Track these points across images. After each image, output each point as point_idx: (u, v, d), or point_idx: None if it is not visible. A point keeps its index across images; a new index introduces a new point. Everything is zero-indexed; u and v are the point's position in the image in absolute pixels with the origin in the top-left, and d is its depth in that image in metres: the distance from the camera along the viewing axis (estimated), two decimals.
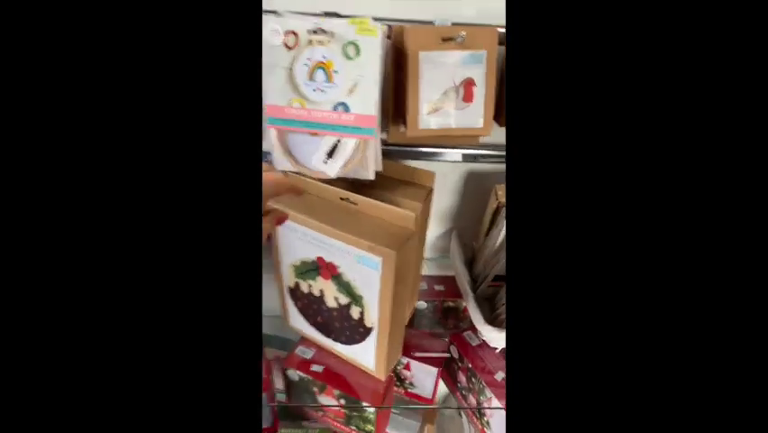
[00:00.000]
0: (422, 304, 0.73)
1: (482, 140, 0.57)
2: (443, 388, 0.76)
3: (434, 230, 0.78)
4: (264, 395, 0.66)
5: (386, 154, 0.52)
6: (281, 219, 0.39)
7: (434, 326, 0.77)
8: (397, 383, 0.71)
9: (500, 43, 0.50)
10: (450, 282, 0.75)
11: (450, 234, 0.78)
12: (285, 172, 0.45)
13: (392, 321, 0.51)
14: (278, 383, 0.68)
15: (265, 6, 0.40)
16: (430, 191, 0.56)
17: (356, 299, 0.52)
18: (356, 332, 0.55)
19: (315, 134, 0.49)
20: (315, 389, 0.64)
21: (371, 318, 0.52)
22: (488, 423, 0.65)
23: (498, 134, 0.56)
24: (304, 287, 0.57)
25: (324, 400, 0.64)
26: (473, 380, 0.65)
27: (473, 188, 0.73)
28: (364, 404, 0.60)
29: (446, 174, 0.71)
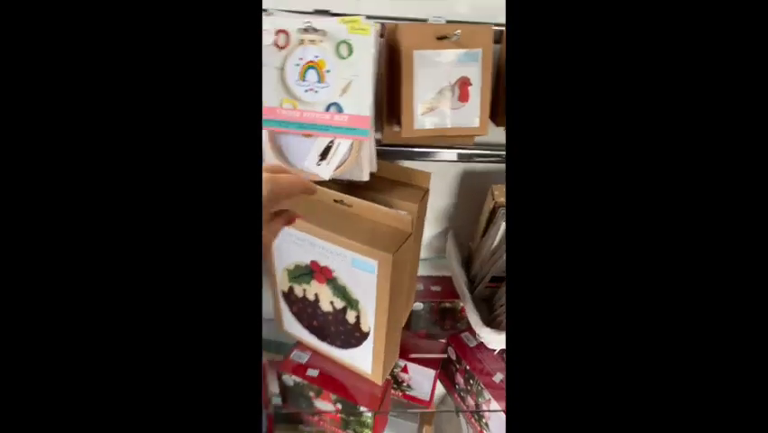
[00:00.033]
0: (418, 305, 0.72)
1: (477, 139, 0.56)
2: (440, 387, 0.75)
3: (429, 230, 0.78)
4: None
5: (380, 155, 0.52)
6: (291, 220, 0.38)
7: (430, 327, 0.77)
8: (395, 386, 0.71)
9: (495, 41, 0.50)
10: (446, 283, 0.74)
11: (446, 234, 0.77)
12: (295, 172, 0.44)
13: (389, 325, 0.50)
14: (273, 387, 0.67)
15: None
16: (426, 192, 0.55)
17: (352, 303, 0.51)
18: (352, 336, 0.54)
19: (307, 136, 0.48)
20: (312, 393, 0.63)
21: (368, 323, 0.51)
22: (486, 425, 0.65)
23: (494, 134, 0.55)
24: (298, 291, 0.56)
25: (321, 404, 0.63)
26: (471, 381, 0.65)
27: (469, 187, 0.72)
28: (361, 409, 0.59)
29: (441, 174, 0.70)
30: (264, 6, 0.46)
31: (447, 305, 0.74)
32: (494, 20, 0.53)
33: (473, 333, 0.65)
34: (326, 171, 0.48)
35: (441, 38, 0.45)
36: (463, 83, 0.47)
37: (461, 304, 0.70)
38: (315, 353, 0.63)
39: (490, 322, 0.61)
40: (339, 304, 0.53)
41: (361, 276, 0.48)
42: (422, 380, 0.68)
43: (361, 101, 0.45)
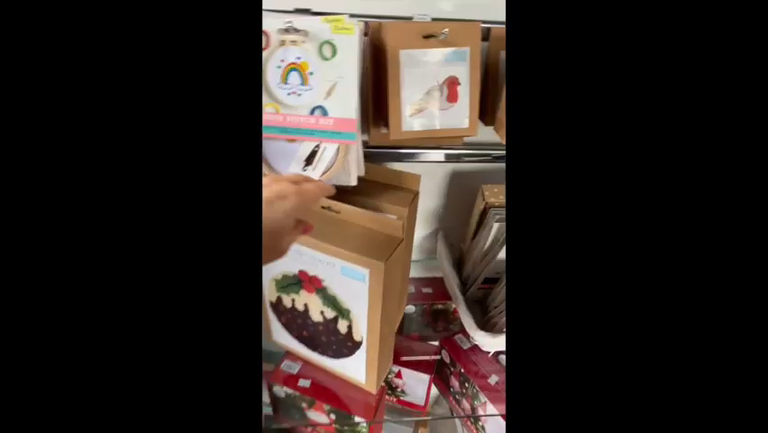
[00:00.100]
0: (410, 308, 0.71)
1: (465, 139, 0.55)
2: (434, 389, 0.74)
3: (419, 231, 0.76)
4: None
5: (367, 157, 0.50)
6: (308, 229, 0.37)
7: (423, 329, 0.76)
8: (389, 392, 0.69)
9: (482, 39, 0.48)
10: (438, 284, 0.73)
11: (436, 235, 0.76)
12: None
13: (382, 333, 0.49)
14: (264, 398, 0.65)
15: None
16: (416, 195, 0.53)
17: (343, 312, 0.49)
18: (344, 346, 0.53)
19: (291, 141, 0.46)
20: (304, 404, 0.61)
21: (360, 332, 0.50)
22: (482, 427, 0.64)
23: (482, 133, 0.54)
24: (286, 301, 0.54)
25: (314, 415, 0.62)
26: (466, 384, 0.64)
27: (458, 188, 0.71)
28: (356, 419, 0.58)
29: (430, 174, 0.69)
30: None
31: (439, 306, 0.73)
32: (480, 17, 0.52)
33: (467, 335, 0.64)
34: (313, 177, 0.46)
35: (427, 36, 0.44)
36: (452, 83, 0.45)
37: (454, 305, 0.70)
38: (306, 362, 0.61)
39: (484, 324, 0.60)
40: (330, 314, 0.51)
41: (352, 285, 0.46)
42: (416, 385, 0.67)
43: (346, 104, 0.43)
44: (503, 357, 0.65)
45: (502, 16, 0.53)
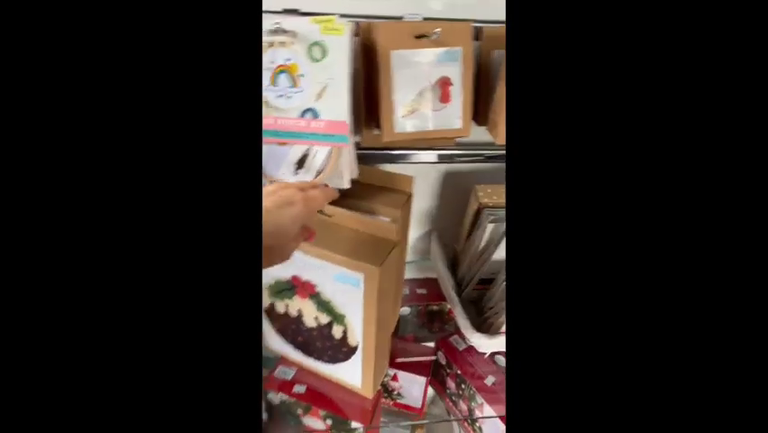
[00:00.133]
0: (405, 309, 0.71)
1: (458, 139, 0.54)
2: (432, 390, 0.74)
3: (413, 232, 0.76)
4: None
5: (359, 158, 0.49)
6: (311, 236, 0.38)
7: (418, 330, 0.75)
8: (385, 395, 0.69)
9: (474, 38, 0.48)
10: (432, 284, 0.73)
11: (429, 236, 0.75)
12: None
13: (378, 338, 0.48)
14: None
15: None
16: (409, 197, 0.53)
17: (338, 318, 0.49)
18: (339, 351, 0.52)
19: (282, 144, 0.45)
20: (300, 410, 0.60)
21: (355, 337, 0.49)
22: (480, 429, 0.64)
23: (474, 133, 0.53)
24: (280, 307, 0.53)
25: (310, 421, 0.61)
26: (463, 386, 0.64)
27: (451, 188, 0.71)
28: (353, 424, 0.57)
29: (423, 175, 0.68)
30: None
31: (434, 308, 0.73)
32: (470, 16, 0.51)
33: (462, 336, 0.63)
34: (305, 180, 0.45)
35: (419, 36, 0.43)
36: (444, 83, 0.45)
37: (449, 306, 0.69)
38: (301, 368, 0.60)
39: (480, 325, 0.60)
40: (324, 319, 0.50)
41: (346, 290, 0.45)
42: (413, 387, 0.66)
43: (337, 106, 0.42)
44: (499, 358, 0.65)
45: (493, 15, 0.53)
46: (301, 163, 0.45)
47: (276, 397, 0.60)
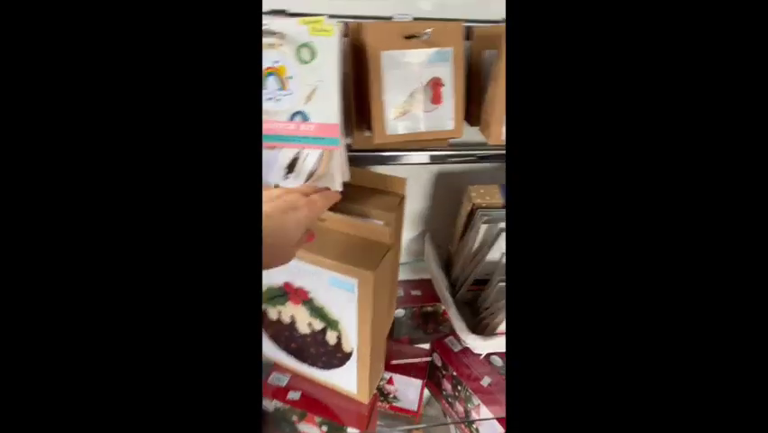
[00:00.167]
0: (400, 311, 0.70)
1: (450, 140, 0.54)
2: (428, 392, 0.73)
3: (406, 233, 0.75)
4: None
5: (351, 161, 0.48)
6: (311, 237, 0.39)
7: (413, 332, 0.75)
8: (381, 398, 0.68)
9: (464, 38, 0.47)
10: (426, 286, 0.72)
11: (423, 237, 0.75)
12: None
13: (373, 343, 0.48)
14: None
15: None
16: (402, 199, 0.52)
17: (332, 323, 0.48)
18: (334, 357, 0.51)
19: (271, 148, 0.44)
20: (295, 417, 0.59)
21: (350, 343, 0.48)
22: (477, 430, 0.63)
23: (467, 133, 0.53)
24: (272, 313, 0.52)
25: (305, 428, 0.60)
26: (459, 387, 0.63)
27: (443, 189, 0.70)
28: (349, 430, 0.57)
29: (415, 176, 0.68)
30: None
31: (429, 309, 0.72)
32: (460, 16, 0.51)
33: (458, 337, 0.63)
34: (295, 185, 0.45)
35: (409, 37, 0.43)
36: (435, 84, 0.44)
37: (443, 307, 0.69)
38: (295, 374, 0.60)
39: (475, 326, 0.60)
40: (318, 325, 0.49)
41: (340, 295, 0.45)
42: (408, 390, 0.66)
43: (328, 108, 0.41)
44: (495, 358, 0.65)
45: (483, 15, 0.53)
46: (291, 167, 0.45)
47: (270, 404, 0.59)
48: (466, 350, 0.65)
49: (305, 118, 0.42)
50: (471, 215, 0.59)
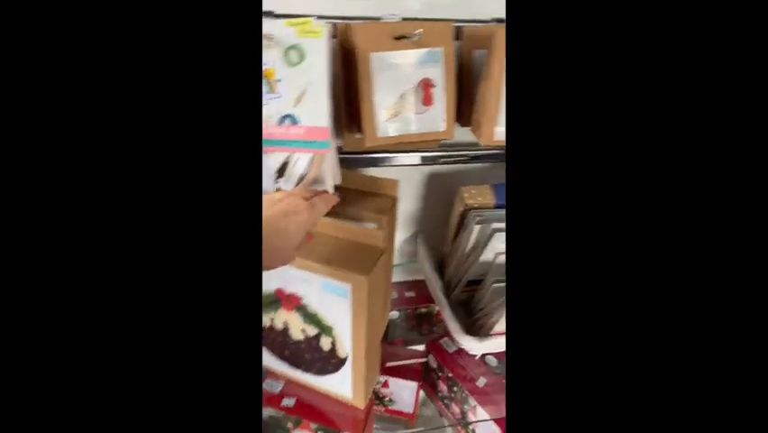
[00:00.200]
0: (394, 313, 0.70)
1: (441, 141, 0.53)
2: (423, 394, 0.73)
3: (399, 234, 0.75)
4: None
5: (341, 163, 0.48)
6: (309, 239, 0.40)
7: (407, 334, 0.74)
8: (377, 402, 0.68)
9: (455, 38, 0.47)
10: (420, 287, 0.72)
11: (415, 238, 0.75)
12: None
13: (368, 347, 0.47)
14: None
15: None
16: (394, 201, 0.52)
17: (325, 329, 0.47)
18: (328, 363, 0.51)
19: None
20: (290, 424, 0.58)
21: (345, 348, 0.48)
22: (473, 431, 0.63)
23: (458, 134, 0.53)
24: (265, 320, 0.51)
25: None
26: (455, 388, 0.63)
27: (435, 190, 0.70)
28: None
29: (407, 177, 0.67)
30: None
31: (423, 310, 0.72)
32: (449, 15, 0.50)
33: (452, 338, 0.63)
34: (286, 189, 0.44)
35: (399, 38, 0.42)
36: (426, 85, 0.44)
37: (437, 308, 0.69)
38: (289, 381, 0.59)
39: (470, 327, 0.59)
40: (311, 331, 0.49)
41: (334, 301, 0.44)
42: (404, 393, 0.65)
43: (317, 111, 0.41)
44: (490, 359, 0.64)
45: (473, 15, 0.52)
46: (281, 171, 0.44)
47: (264, 412, 0.58)
48: (461, 351, 0.65)
49: (294, 121, 0.41)
50: (464, 215, 0.59)
